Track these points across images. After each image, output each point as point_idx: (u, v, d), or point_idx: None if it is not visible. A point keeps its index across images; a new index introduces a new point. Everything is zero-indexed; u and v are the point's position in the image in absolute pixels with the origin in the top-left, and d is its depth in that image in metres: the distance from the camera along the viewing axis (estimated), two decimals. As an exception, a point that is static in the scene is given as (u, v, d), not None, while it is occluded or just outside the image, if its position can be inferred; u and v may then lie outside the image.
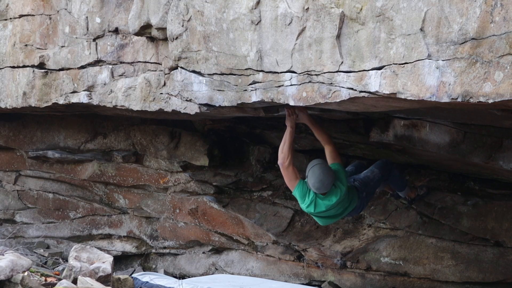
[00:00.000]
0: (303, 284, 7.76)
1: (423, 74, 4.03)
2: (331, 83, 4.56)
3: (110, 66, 6.78)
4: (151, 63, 6.42)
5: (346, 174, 5.90)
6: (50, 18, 7.29)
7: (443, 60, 3.93)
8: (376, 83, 4.27)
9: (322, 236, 7.87)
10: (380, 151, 6.99)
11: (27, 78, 7.49)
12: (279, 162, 5.82)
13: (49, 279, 5.40)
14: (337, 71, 4.51)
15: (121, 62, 6.72)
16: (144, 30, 6.05)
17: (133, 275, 6.80)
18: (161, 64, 6.16)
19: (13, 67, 7.66)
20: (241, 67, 5.18)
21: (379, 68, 4.26)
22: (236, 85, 5.29)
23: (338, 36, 4.46)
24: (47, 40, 7.36)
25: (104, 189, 9.39)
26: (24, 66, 7.54)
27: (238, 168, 8.58)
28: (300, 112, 5.73)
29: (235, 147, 8.66)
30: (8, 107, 7.85)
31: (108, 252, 8.74)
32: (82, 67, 7.01)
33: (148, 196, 9.09)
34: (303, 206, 5.90)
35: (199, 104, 5.73)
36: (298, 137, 7.27)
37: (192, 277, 8.41)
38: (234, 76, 5.29)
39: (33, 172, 9.71)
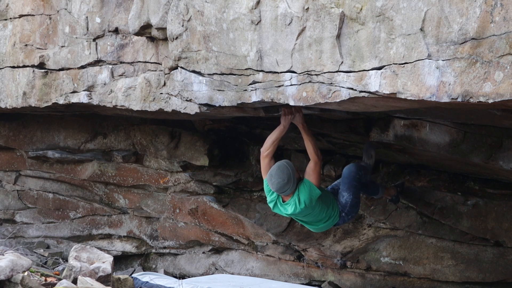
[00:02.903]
0: (303, 284, 7.76)
1: (423, 74, 4.03)
2: (331, 83, 4.56)
3: (110, 66, 6.78)
4: (151, 63, 6.42)
5: (311, 194, 5.65)
6: (50, 18, 7.29)
7: (443, 60, 3.93)
8: (376, 83, 4.27)
9: (322, 236, 7.87)
10: (380, 151, 6.99)
11: (27, 78, 7.49)
12: (261, 150, 5.88)
13: (49, 279, 5.40)
14: (337, 71, 4.51)
15: (121, 62, 6.72)
16: (144, 30, 6.05)
17: (133, 275, 6.80)
18: (161, 64, 6.16)
19: (13, 67, 7.66)
20: (241, 67, 5.18)
21: (379, 68, 4.26)
22: (236, 85, 5.29)
23: (338, 36, 4.46)
24: (47, 40, 7.36)
25: (104, 189, 9.39)
26: (24, 66, 7.54)
27: (238, 168, 8.58)
28: (296, 113, 5.74)
29: (235, 147, 8.66)
30: (8, 107, 7.85)
31: (108, 252, 8.75)
32: (82, 67, 7.01)
33: (148, 196, 9.09)
34: (268, 201, 5.92)
35: (199, 104, 5.73)
36: (298, 137, 7.27)
37: (192, 277, 8.42)
38: (234, 76, 5.29)
39: (33, 172, 9.71)
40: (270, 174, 5.64)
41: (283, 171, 5.59)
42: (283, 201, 5.78)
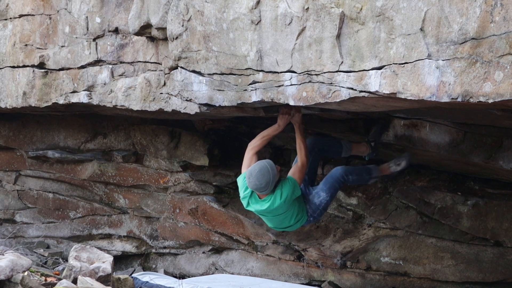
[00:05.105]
0: (303, 284, 7.76)
1: (423, 74, 4.03)
2: (331, 83, 4.56)
3: (110, 66, 6.78)
4: (151, 63, 6.42)
5: (294, 191, 5.59)
6: (50, 18, 7.29)
7: (443, 60, 3.94)
8: (376, 83, 4.27)
9: (322, 236, 7.87)
10: (380, 151, 6.98)
11: (27, 78, 7.49)
12: (250, 142, 5.85)
13: (49, 279, 5.40)
14: (337, 71, 4.51)
15: (121, 62, 6.72)
16: (144, 30, 6.05)
17: (133, 275, 6.80)
18: (161, 64, 6.16)
19: (13, 67, 7.66)
20: (241, 67, 5.18)
21: (379, 68, 4.26)
22: (236, 85, 5.30)
23: (338, 36, 4.47)
24: (47, 40, 7.36)
25: (104, 189, 9.39)
26: (24, 66, 7.54)
27: (238, 168, 8.55)
28: (295, 113, 5.73)
29: (235, 147, 8.66)
30: (8, 107, 7.86)
31: (108, 252, 8.74)
32: (82, 67, 7.02)
33: (148, 196, 9.09)
34: (240, 196, 5.79)
35: (199, 104, 5.74)
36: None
37: (192, 277, 8.42)
38: (234, 76, 5.29)
39: (33, 172, 9.71)
40: (250, 173, 5.51)
41: (263, 174, 5.47)
42: (260, 198, 5.64)
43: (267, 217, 5.88)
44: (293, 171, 5.75)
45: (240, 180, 5.80)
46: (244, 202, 5.78)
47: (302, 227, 6.68)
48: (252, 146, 5.83)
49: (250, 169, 5.56)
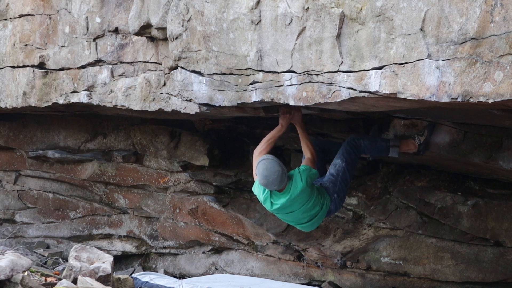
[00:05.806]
0: (303, 284, 7.76)
1: (423, 74, 4.03)
2: (331, 83, 4.56)
3: (110, 66, 6.79)
4: (151, 63, 6.42)
5: (311, 175, 5.54)
6: (50, 18, 7.29)
7: (443, 60, 3.94)
8: (376, 83, 4.27)
9: (322, 236, 7.87)
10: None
11: (27, 78, 7.49)
12: (256, 149, 5.77)
13: (49, 279, 5.41)
14: (337, 71, 4.51)
15: (121, 62, 6.72)
16: (144, 30, 6.05)
17: (133, 275, 6.80)
18: (161, 64, 6.16)
19: (13, 67, 7.67)
20: (241, 67, 5.18)
21: (379, 68, 4.26)
22: (236, 85, 5.30)
23: (338, 36, 4.47)
24: (47, 40, 7.36)
25: (104, 189, 9.40)
26: (24, 66, 7.54)
27: (238, 168, 8.59)
28: (295, 112, 5.73)
29: (235, 147, 8.66)
30: (8, 107, 7.86)
31: (108, 252, 8.75)
32: (82, 67, 7.02)
33: (148, 196, 9.09)
34: (261, 202, 5.72)
35: (199, 104, 5.74)
36: (298, 137, 7.26)
37: (192, 277, 8.42)
38: (234, 76, 5.29)
39: (33, 172, 9.71)
40: (263, 177, 5.40)
41: (273, 166, 5.40)
42: (279, 191, 5.53)
43: (294, 213, 5.70)
44: (305, 162, 5.71)
45: (255, 188, 5.70)
46: (267, 205, 5.65)
47: None
48: (259, 151, 5.73)
49: (260, 175, 5.44)
